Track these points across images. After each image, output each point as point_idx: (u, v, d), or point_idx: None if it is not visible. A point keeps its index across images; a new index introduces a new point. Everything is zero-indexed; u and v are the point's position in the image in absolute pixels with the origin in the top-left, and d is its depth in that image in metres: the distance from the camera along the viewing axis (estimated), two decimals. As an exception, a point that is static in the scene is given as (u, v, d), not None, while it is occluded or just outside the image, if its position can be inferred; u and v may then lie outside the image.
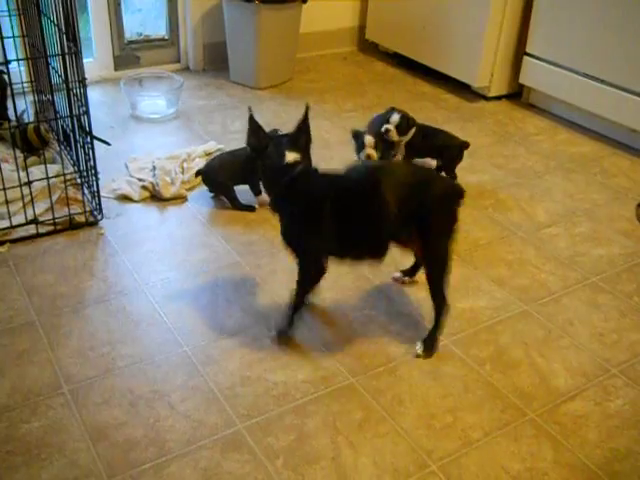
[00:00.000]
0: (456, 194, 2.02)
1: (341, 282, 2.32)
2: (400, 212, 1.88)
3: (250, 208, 2.70)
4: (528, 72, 3.69)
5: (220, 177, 2.71)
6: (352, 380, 1.93)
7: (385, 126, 2.78)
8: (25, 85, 3.09)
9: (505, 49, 3.72)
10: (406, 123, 2.83)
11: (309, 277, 1.99)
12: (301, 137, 1.98)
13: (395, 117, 2.80)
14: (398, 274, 2.34)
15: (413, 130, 2.87)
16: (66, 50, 2.39)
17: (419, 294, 2.28)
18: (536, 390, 1.93)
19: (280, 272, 2.35)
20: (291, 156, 1.93)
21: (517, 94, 3.90)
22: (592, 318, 2.22)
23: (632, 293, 2.35)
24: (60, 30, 2.40)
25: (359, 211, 1.90)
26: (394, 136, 2.79)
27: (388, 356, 2.02)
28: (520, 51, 3.72)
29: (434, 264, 2.02)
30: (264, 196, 2.50)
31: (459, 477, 1.66)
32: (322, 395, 1.87)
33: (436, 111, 3.73)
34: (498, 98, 3.89)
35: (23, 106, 2.96)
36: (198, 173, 2.78)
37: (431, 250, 2.01)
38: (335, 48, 4.52)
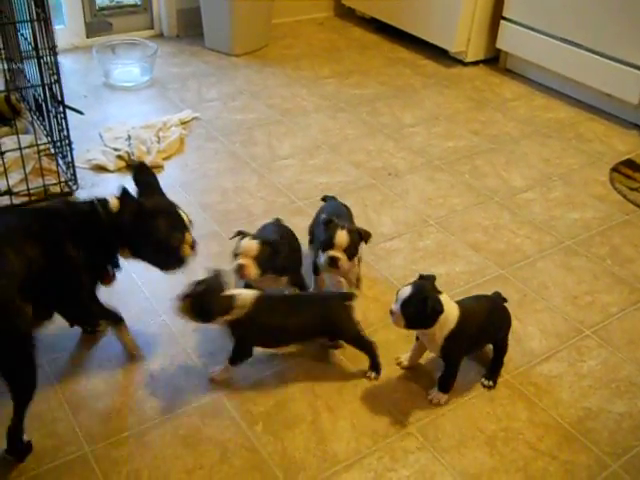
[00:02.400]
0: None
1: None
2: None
3: None
4: (505, 37, 3.68)
5: None
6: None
7: (329, 254, 1.91)
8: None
9: (482, 13, 3.70)
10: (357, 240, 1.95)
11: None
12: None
13: (342, 237, 1.91)
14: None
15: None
16: (35, 16, 2.34)
17: (396, 261, 2.29)
18: (511, 352, 1.95)
19: (258, 240, 2.35)
20: None
21: (494, 59, 3.89)
22: (566, 281, 2.26)
23: (605, 256, 2.39)
24: (27, -4, 2.35)
25: None
26: (344, 264, 1.93)
27: (366, 321, 2.03)
28: (497, 15, 3.70)
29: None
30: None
31: (436, 438, 1.70)
32: (302, 361, 1.89)
33: (414, 77, 3.72)
34: (475, 63, 3.88)
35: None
36: None
37: None
38: (311, 13, 4.46)
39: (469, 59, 3.85)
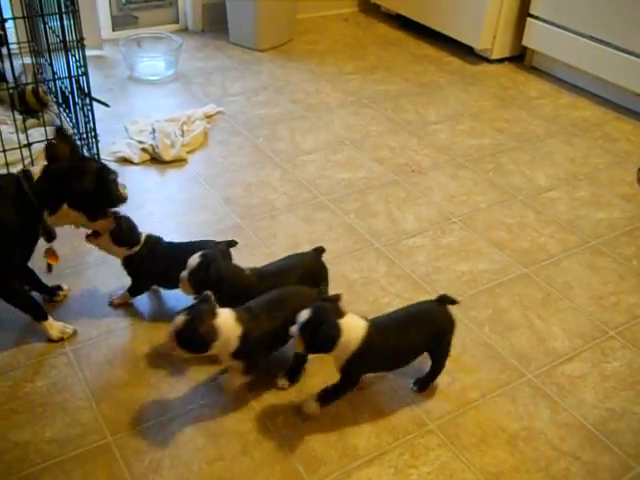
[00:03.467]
0: None
1: (342, 241, 2.33)
2: None
3: None
4: (531, 34, 3.65)
5: None
6: (352, 341, 1.94)
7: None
8: (22, 46, 3.05)
9: (508, 11, 3.67)
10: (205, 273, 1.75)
11: None
12: None
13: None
14: None
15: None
16: (64, 9, 2.36)
17: (418, 258, 2.29)
18: (534, 352, 1.95)
19: (281, 235, 2.36)
20: None
21: (520, 57, 3.86)
22: (591, 281, 2.24)
23: (631, 256, 2.36)
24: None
25: None
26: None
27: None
28: (523, 13, 3.66)
29: None
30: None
31: (456, 435, 1.69)
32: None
33: (438, 74, 3.70)
34: (501, 61, 3.85)
35: (20, 67, 2.92)
36: None
37: None
38: (337, 9, 4.46)
39: (494, 56, 3.82)
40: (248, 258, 2.23)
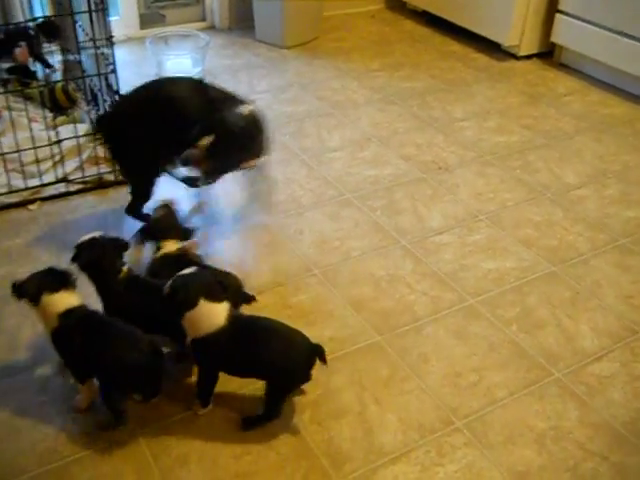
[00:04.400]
0: None
1: (368, 238, 2.33)
2: None
3: None
4: (560, 30, 3.60)
5: None
6: (378, 338, 1.95)
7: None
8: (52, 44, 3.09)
9: (537, 6, 3.63)
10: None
11: None
12: None
13: None
14: None
15: None
16: (93, 7, 2.39)
17: (445, 256, 2.28)
18: (562, 350, 1.93)
19: (307, 232, 2.36)
20: None
21: (548, 53, 3.81)
22: (620, 280, 2.21)
23: (662, 255, 2.33)
24: (87, -13, 2.39)
25: None
26: None
27: (414, 315, 2.03)
28: (552, 8, 3.62)
29: None
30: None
31: (484, 434, 1.68)
32: (348, 353, 1.90)
33: (465, 71, 3.67)
34: (529, 57, 3.81)
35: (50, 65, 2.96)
36: None
37: None
38: (363, 6, 4.44)
39: (522, 53, 3.78)
40: (274, 255, 2.25)
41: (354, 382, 1.80)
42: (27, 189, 2.44)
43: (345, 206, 2.50)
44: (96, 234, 1.75)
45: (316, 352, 1.62)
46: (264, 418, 1.65)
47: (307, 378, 1.65)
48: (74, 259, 1.72)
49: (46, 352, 1.81)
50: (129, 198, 2.25)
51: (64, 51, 3.12)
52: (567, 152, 2.93)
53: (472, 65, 3.75)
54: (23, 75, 2.93)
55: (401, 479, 1.58)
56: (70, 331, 1.60)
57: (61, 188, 2.49)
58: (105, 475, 1.56)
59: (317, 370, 1.81)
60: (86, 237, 1.74)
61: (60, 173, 2.50)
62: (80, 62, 2.97)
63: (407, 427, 1.69)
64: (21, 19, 2.93)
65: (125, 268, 1.75)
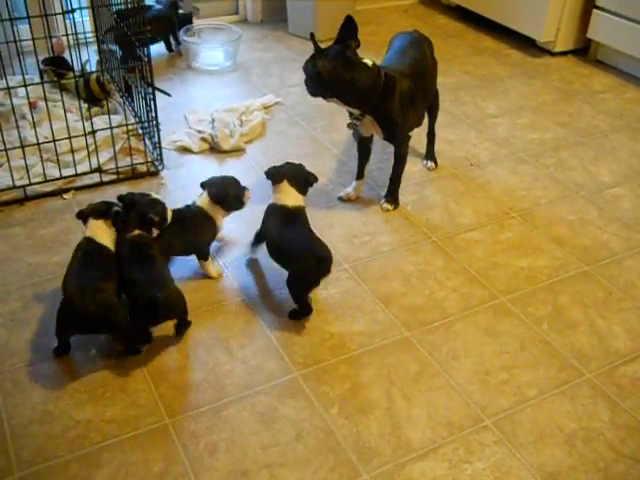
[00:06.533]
0: None
1: (398, 233, 2.32)
2: None
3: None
4: (597, 26, 3.55)
5: None
6: (407, 334, 1.94)
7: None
8: (88, 35, 3.12)
9: (573, 2, 3.57)
10: None
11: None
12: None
13: None
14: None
15: None
16: (129, -1, 2.41)
17: (476, 252, 2.26)
18: (594, 351, 1.90)
19: (337, 225, 2.36)
20: None
21: (584, 49, 3.75)
22: (655, 281, 2.17)
23: (699, 257, 2.28)
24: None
25: None
26: None
27: (444, 312, 2.02)
28: (589, 4, 3.56)
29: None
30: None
31: (513, 433, 1.67)
32: (377, 347, 1.89)
33: (498, 67, 3.63)
34: (564, 53, 3.76)
35: (86, 56, 2.99)
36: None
37: None
38: (396, 0, 4.42)
39: (557, 49, 3.73)
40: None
41: (382, 377, 1.80)
42: (62, 178, 2.47)
43: (375, 201, 2.49)
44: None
45: (325, 260, 1.92)
46: (300, 312, 1.95)
47: (315, 279, 1.93)
48: None
49: (79, 339, 1.84)
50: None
51: (100, 42, 3.14)
52: (602, 150, 2.89)
53: (506, 61, 3.71)
54: (59, 66, 2.97)
55: (429, 475, 1.57)
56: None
57: (95, 178, 2.52)
58: (134, 462, 1.57)
59: (345, 365, 1.82)
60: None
61: (94, 163, 2.52)
62: (114, 53, 3.00)
63: (435, 423, 1.69)
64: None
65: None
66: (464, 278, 2.15)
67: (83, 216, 1.92)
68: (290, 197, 2.05)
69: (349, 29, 2.19)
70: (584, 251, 2.28)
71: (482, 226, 2.39)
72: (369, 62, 2.22)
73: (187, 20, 3.63)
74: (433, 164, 2.71)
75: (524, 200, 2.54)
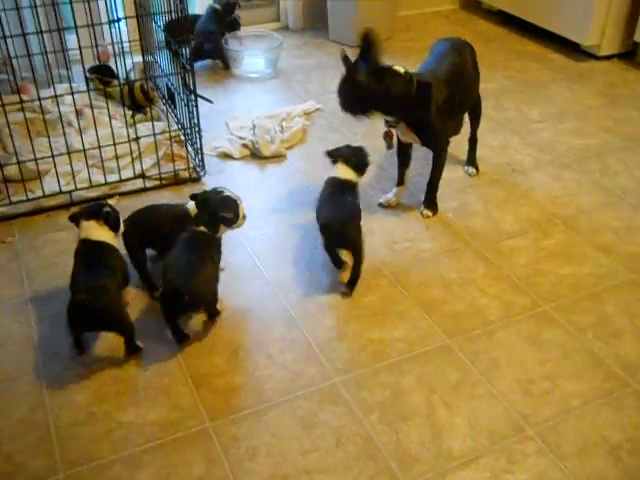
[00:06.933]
0: None
1: (439, 240, 2.30)
2: None
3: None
4: (644, 29, 3.48)
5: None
6: (448, 341, 1.92)
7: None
8: (133, 44, 3.17)
9: (619, 5, 3.51)
10: None
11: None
12: None
13: None
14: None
15: None
16: (172, 8, 2.44)
17: (519, 259, 2.23)
18: (641, 361, 1.86)
19: (377, 232, 2.35)
20: None
21: (630, 53, 3.68)
22: None
23: None
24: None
25: None
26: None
27: (486, 319, 2.00)
28: (636, 7, 3.50)
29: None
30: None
31: (556, 443, 1.64)
32: (417, 355, 1.88)
33: (542, 71, 3.59)
34: (609, 57, 3.69)
35: (130, 65, 3.05)
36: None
37: None
38: (437, 6, 4.40)
39: (602, 53, 3.66)
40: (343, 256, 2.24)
41: (423, 384, 1.79)
42: (106, 184, 2.51)
43: (415, 207, 2.48)
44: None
45: (328, 226, 2.09)
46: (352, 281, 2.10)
47: (327, 241, 2.11)
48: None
49: (123, 342, 1.87)
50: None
51: (144, 51, 3.20)
52: (649, 156, 2.83)
53: (549, 65, 3.66)
54: (104, 74, 3.03)
55: (470, 485, 1.55)
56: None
57: (138, 184, 2.56)
58: (175, 465, 1.59)
59: (385, 371, 1.81)
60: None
61: (138, 169, 2.57)
62: (157, 61, 3.05)
63: (477, 432, 1.66)
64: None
65: None
66: (506, 285, 2.12)
67: (75, 219, 1.95)
68: (342, 173, 2.22)
69: (369, 40, 2.19)
70: (630, 259, 2.23)
71: (525, 233, 2.36)
72: (400, 69, 2.22)
73: (234, 25, 3.69)
74: (474, 170, 2.69)
75: (568, 206, 2.50)
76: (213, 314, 1.97)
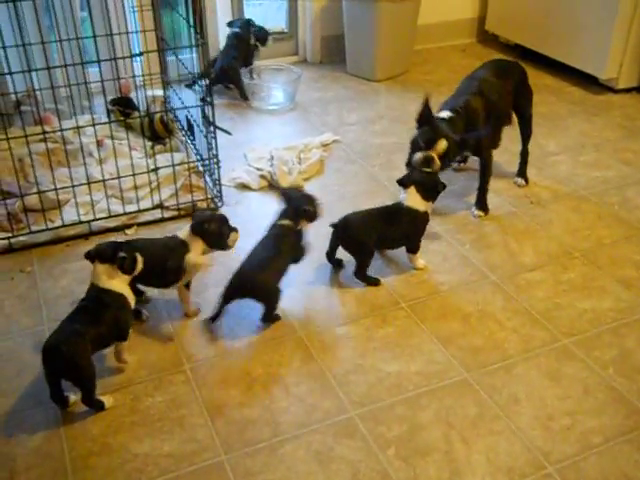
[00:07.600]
0: None
1: (456, 272, 2.29)
2: None
3: (376, 282, 2.26)
4: (662, 63, 3.48)
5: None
6: (466, 375, 1.90)
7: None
8: (152, 78, 3.23)
9: (636, 38, 3.52)
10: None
11: None
12: None
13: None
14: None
15: None
16: (194, 42, 2.48)
17: (537, 293, 2.21)
18: (664, 398, 1.82)
19: (393, 264, 2.34)
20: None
21: (649, 86, 3.68)
22: None
23: None
24: (188, 23, 2.50)
25: None
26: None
27: (504, 353, 1.97)
28: (653, 41, 3.51)
29: None
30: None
31: (577, 482, 1.60)
32: (435, 388, 1.86)
33: (559, 104, 3.59)
34: (627, 91, 3.69)
35: (150, 98, 3.09)
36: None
37: None
38: (454, 40, 4.44)
39: (620, 86, 3.67)
40: (361, 286, 2.24)
41: (441, 419, 1.76)
42: (125, 214, 2.54)
43: (434, 239, 2.47)
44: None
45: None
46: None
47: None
48: None
49: (138, 372, 1.86)
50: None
51: (164, 84, 3.25)
52: (669, 189, 2.80)
53: (566, 99, 3.66)
54: (125, 106, 3.08)
55: (489, 523, 1.52)
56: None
57: (157, 214, 2.58)
58: (190, 498, 1.57)
59: (402, 405, 1.79)
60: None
61: (156, 199, 2.59)
62: (177, 93, 3.09)
63: (495, 469, 1.63)
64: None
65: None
66: (525, 319, 2.10)
67: (90, 258, 1.87)
68: (412, 200, 2.26)
69: (428, 104, 2.42)
70: (651, 293, 2.21)
71: (543, 266, 2.34)
72: (445, 115, 2.46)
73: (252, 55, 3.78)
74: (524, 181, 2.83)
75: (587, 240, 2.48)
76: (270, 313, 2.05)
